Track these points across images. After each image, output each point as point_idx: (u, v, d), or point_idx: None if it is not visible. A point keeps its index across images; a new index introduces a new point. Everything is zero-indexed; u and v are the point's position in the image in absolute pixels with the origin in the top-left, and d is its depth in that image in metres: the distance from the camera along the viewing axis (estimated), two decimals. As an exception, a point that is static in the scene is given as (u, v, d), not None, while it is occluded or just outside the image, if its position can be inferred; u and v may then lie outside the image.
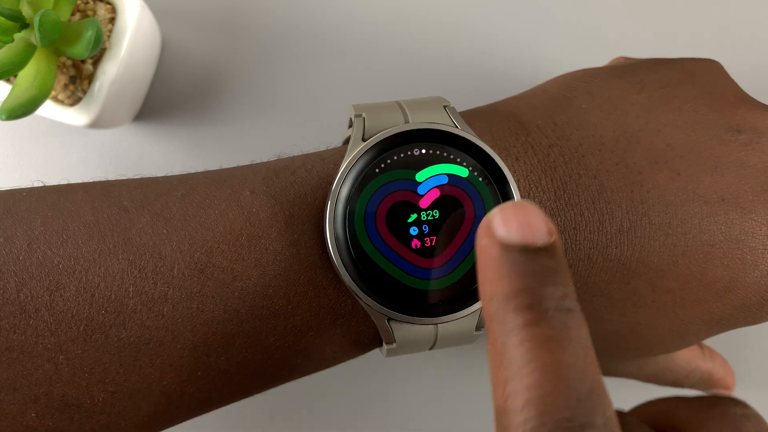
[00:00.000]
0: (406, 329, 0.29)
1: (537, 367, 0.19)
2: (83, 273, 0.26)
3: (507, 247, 0.21)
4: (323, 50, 0.48)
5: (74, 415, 0.27)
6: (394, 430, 0.46)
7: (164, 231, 0.27)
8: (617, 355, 0.36)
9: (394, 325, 0.29)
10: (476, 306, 0.29)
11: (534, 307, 0.20)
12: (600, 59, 0.43)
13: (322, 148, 0.33)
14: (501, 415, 0.20)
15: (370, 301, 0.28)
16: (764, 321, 0.33)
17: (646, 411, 0.30)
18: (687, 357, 0.39)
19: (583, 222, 0.30)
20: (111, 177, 0.42)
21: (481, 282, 0.22)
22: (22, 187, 0.29)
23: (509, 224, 0.21)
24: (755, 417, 0.28)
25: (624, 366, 0.38)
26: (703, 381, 0.40)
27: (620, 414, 0.28)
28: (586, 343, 0.20)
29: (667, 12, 0.49)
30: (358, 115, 0.30)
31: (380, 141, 0.29)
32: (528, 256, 0.21)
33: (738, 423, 0.27)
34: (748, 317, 0.33)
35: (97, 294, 0.26)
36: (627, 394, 0.45)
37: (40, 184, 0.30)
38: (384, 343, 0.29)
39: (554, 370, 0.19)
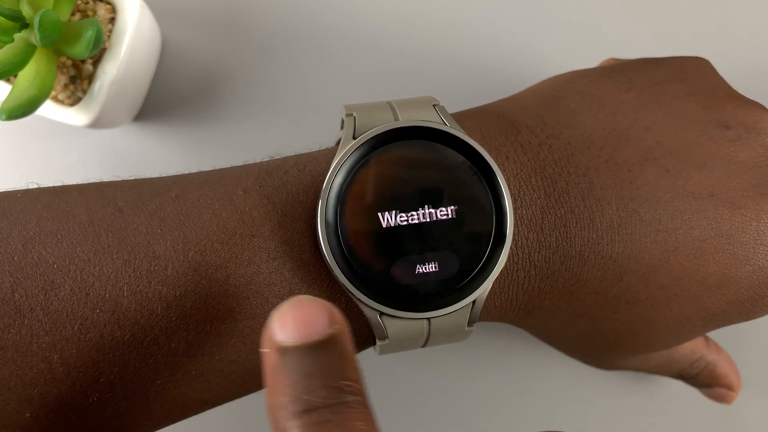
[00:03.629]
0: (399, 324, 0.29)
1: None
2: (78, 272, 0.27)
3: (284, 351, 0.21)
4: (323, 50, 0.48)
5: (69, 415, 0.27)
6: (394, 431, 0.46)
7: (158, 230, 0.28)
8: (616, 351, 0.36)
9: (386, 320, 0.29)
10: (468, 300, 0.29)
11: (308, 413, 0.20)
12: (598, 59, 0.44)
13: (315, 148, 0.33)
14: None
15: (362, 296, 0.28)
16: (759, 316, 0.34)
17: None
18: (691, 346, 0.39)
19: (574, 219, 0.30)
20: (111, 177, 0.42)
21: (266, 392, 0.22)
22: (17, 189, 0.30)
23: (286, 326, 0.21)
24: None
25: (626, 360, 0.38)
26: (708, 373, 0.40)
27: None
28: None
29: (667, 12, 0.49)
30: (348, 115, 0.30)
31: (370, 138, 0.29)
32: (304, 356, 0.21)
33: None
34: (743, 312, 0.33)
35: (91, 293, 0.26)
36: (631, 389, 0.46)
37: (35, 186, 0.30)
38: (377, 340, 0.29)
39: None
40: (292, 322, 0.21)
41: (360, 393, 0.21)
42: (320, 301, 0.22)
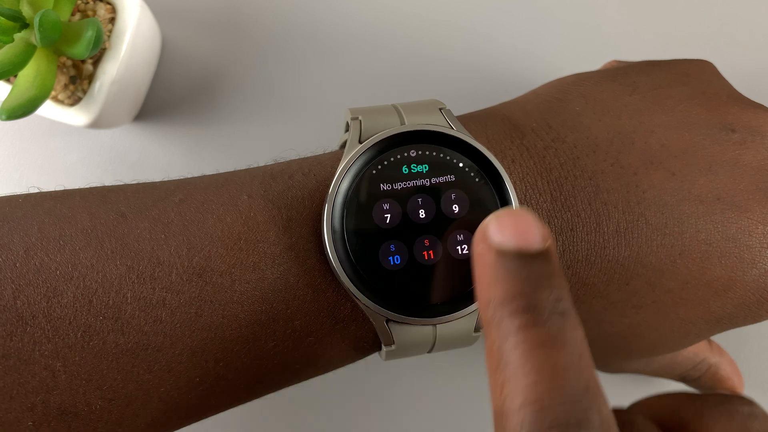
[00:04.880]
0: (405, 330, 0.29)
1: (533, 369, 0.20)
2: (81, 279, 0.26)
3: (502, 253, 0.22)
4: (323, 51, 0.48)
5: (71, 423, 0.27)
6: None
7: (162, 236, 0.27)
8: (621, 354, 0.36)
9: (392, 326, 0.29)
10: (475, 306, 0.29)
11: (529, 310, 0.21)
12: (600, 60, 0.43)
13: (319, 151, 0.33)
14: (499, 417, 0.20)
15: (368, 302, 0.28)
16: (765, 319, 0.33)
17: (650, 406, 0.30)
18: (694, 349, 0.39)
19: (580, 223, 0.30)
20: (111, 177, 0.42)
21: (478, 287, 0.22)
22: (18, 193, 0.29)
23: (504, 231, 0.22)
24: (763, 416, 0.28)
25: (630, 363, 0.38)
26: (710, 375, 0.40)
27: (623, 411, 0.28)
28: (581, 345, 0.21)
29: (667, 12, 0.49)
30: (354, 118, 0.30)
31: (377, 143, 0.29)
32: (523, 262, 0.21)
33: (746, 422, 0.27)
34: (749, 316, 0.33)
35: (95, 300, 0.26)
36: (632, 388, 0.46)
37: (36, 190, 0.30)
38: (383, 346, 0.29)
39: (550, 371, 0.20)
40: (511, 229, 0.22)
41: (574, 308, 0.22)
42: (535, 215, 0.22)
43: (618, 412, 0.26)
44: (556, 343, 0.20)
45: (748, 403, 0.28)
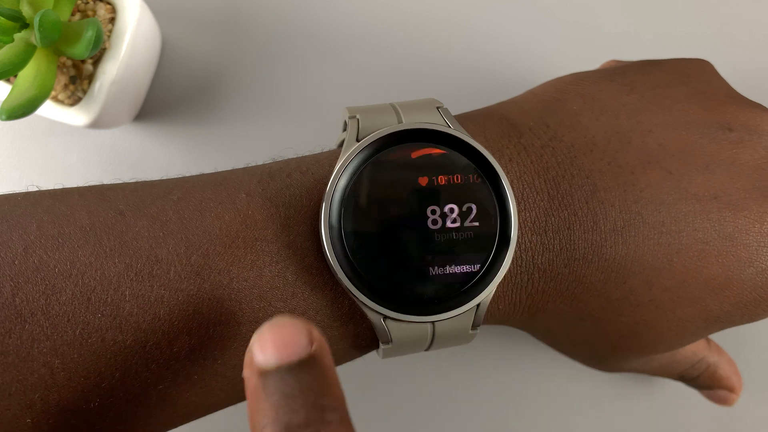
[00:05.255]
0: (403, 328, 0.29)
1: None
2: (79, 276, 0.26)
3: (265, 374, 0.21)
4: (323, 51, 0.48)
5: (70, 420, 0.27)
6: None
7: (160, 234, 0.28)
8: (619, 353, 0.36)
9: (390, 324, 0.29)
10: (472, 303, 0.29)
11: (290, 429, 0.20)
12: (599, 60, 0.44)
13: (318, 150, 0.33)
14: None
15: (366, 299, 0.28)
16: (762, 318, 0.33)
17: None
18: (692, 348, 0.39)
19: (577, 222, 0.30)
20: (111, 177, 0.43)
21: (248, 416, 0.22)
22: (17, 191, 0.30)
23: (266, 348, 0.22)
24: None
25: (628, 363, 0.38)
26: (709, 374, 0.40)
27: None
28: None
29: (667, 12, 0.49)
30: (352, 117, 0.30)
31: (374, 141, 0.29)
32: (284, 377, 0.21)
33: None
34: (746, 314, 0.33)
35: (93, 297, 0.26)
36: (632, 387, 0.46)
37: (35, 189, 0.30)
38: (380, 343, 0.29)
39: None
40: (271, 344, 0.22)
41: (341, 410, 0.21)
42: (299, 320, 0.22)
43: None
44: None
45: None
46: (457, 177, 0.29)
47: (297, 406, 0.21)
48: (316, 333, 0.22)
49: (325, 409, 0.21)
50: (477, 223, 0.29)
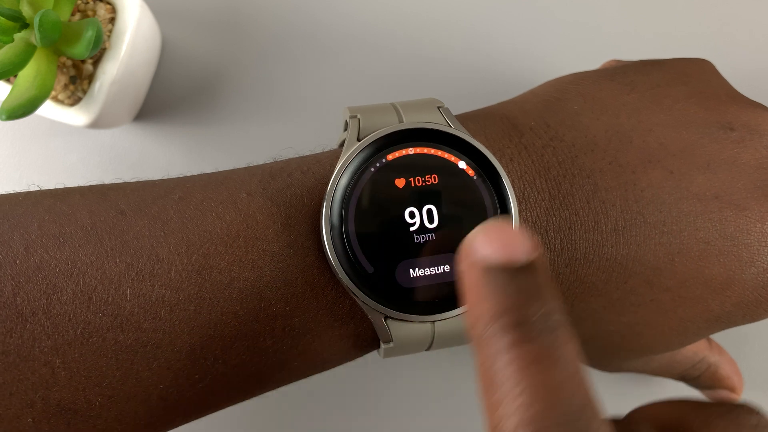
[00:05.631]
0: (404, 328, 0.29)
1: (527, 388, 0.19)
2: (80, 276, 0.26)
3: (489, 268, 0.21)
4: (323, 51, 0.48)
5: (70, 420, 0.27)
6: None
7: (161, 234, 0.28)
8: (620, 354, 0.36)
9: (391, 323, 0.29)
10: None
11: (519, 326, 0.20)
12: (600, 60, 0.44)
13: (318, 150, 0.33)
14: None
15: (366, 299, 0.28)
16: (763, 318, 0.33)
17: (653, 413, 0.29)
18: (693, 348, 0.39)
19: (579, 221, 0.30)
20: (111, 177, 0.42)
21: (466, 305, 0.22)
22: (19, 191, 0.30)
23: (489, 245, 0.21)
24: None
25: (629, 363, 0.38)
26: (710, 375, 0.40)
27: (628, 420, 0.27)
28: (575, 360, 0.20)
29: (667, 12, 0.49)
30: (353, 117, 0.30)
31: (375, 140, 0.29)
32: (510, 276, 0.21)
33: None
34: (747, 314, 0.33)
35: (94, 297, 0.26)
36: (632, 387, 0.46)
37: (37, 188, 0.30)
38: (381, 343, 0.29)
39: (544, 389, 0.19)
40: (497, 242, 0.21)
41: (566, 320, 0.21)
42: (522, 227, 0.22)
43: (620, 423, 0.26)
44: (549, 360, 0.20)
45: (755, 413, 0.28)
46: (458, 176, 0.29)
47: (529, 304, 0.21)
48: (535, 242, 0.22)
49: (553, 312, 0.21)
50: (478, 223, 0.29)
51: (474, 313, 0.21)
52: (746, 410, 0.27)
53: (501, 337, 0.20)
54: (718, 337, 0.41)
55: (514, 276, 0.21)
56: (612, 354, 0.36)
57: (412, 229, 0.29)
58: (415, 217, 0.29)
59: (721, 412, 0.27)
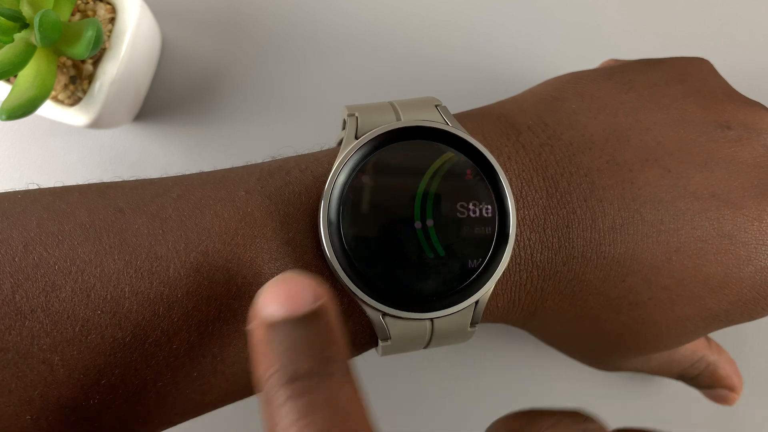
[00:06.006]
0: (401, 325, 0.29)
1: None
2: (79, 273, 0.26)
3: (271, 326, 0.22)
4: (323, 51, 0.48)
5: (69, 417, 0.27)
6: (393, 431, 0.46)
7: (160, 231, 0.28)
8: (618, 352, 0.36)
9: (389, 321, 0.29)
10: (471, 300, 0.29)
11: (293, 381, 0.21)
12: (599, 60, 0.44)
13: (317, 149, 0.33)
14: None
15: (364, 296, 0.28)
16: (761, 316, 0.33)
17: (498, 427, 0.30)
18: (692, 346, 0.39)
19: (576, 220, 0.30)
20: (111, 177, 0.43)
21: (253, 367, 0.23)
22: (18, 189, 0.30)
23: (273, 301, 0.22)
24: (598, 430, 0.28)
25: (627, 362, 0.38)
26: (709, 374, 0.40)
27: None
28: (353, 402, 0.21)
29: (667, 12, 0.49)
30: (350, 115, 0.30)
31: (372, 138, 0.29)
32: (290, 329, 0.22)
33: None
34: (745, 313, 0.33)
35: (93, 294, 0.26)
36: (632, 387, 0.46)
37: (36, 187, 0.30)
38: (379, 341, 0.29)
39: None
40: (278, 297, 0.22)
41: (344, 365, 0.22)
42: (306, 276, 0.23)
43: None
44: (325, 409, 0.21)
45: (584, 418, 0.29)
46: (455, 175, 0.29)
47: (303, 357, 0.21)
48: (321, 288, 0.22)
49: (330, 360, 0.22)
50: (475, 221, 0.29)
51: (257, 375, 0.22)
52: (576, 417, 0.28)
53: (278, 394, 0.21)
54: (717, 335, 0.41)
55: (294, 329, 0.22)
56: (610, 353, 0.36)
57: (409, 227, 0.29)
58: (413, 216, 0.29)
59: (552, 421, 0.28)
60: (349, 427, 0.20)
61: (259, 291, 0.23)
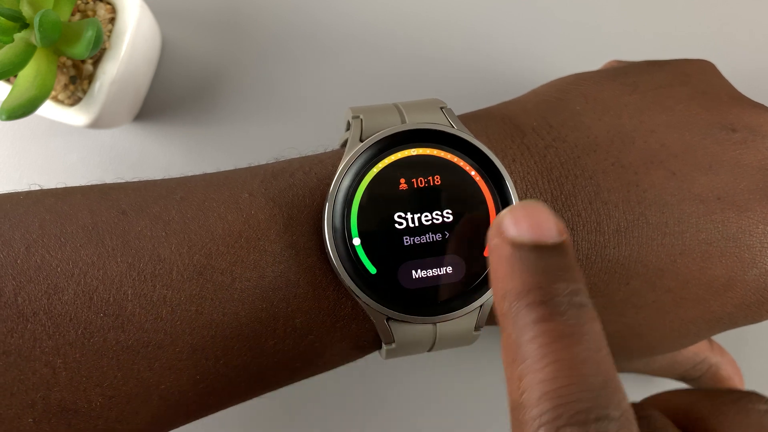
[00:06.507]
0: (405, 329, 0.29)
1: (552, 362, 0.20)
2: (81, 276, 0.26)
3: (518, 246, 0.22)
4: (323, 51, 0.48)
5: (71, 420, 0.27)
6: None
7: (163, 234, 0.27)
8: (621, 354, 0.36)
9: (393, 325, 0.29)
10: (475, 305, 0.29)
11: (546, 303, 0.21)
12: (600, 60, 0.44)
13: (320, 150, 0.33)
14: (516, 409, 0.20)
15: (369, 300, 0.28)
16: (765, 319, 0.34)
17: (664, 401, 0.30)
18: (695, 348, 0.39)
19: (581, 223, 0.30)
20: (111, 177, 0.42)
21: (494, 280, 0.22)
22: (20, 190, 0.29)
23: (520, 224, 0.22)
24: None
25: (630, 363, 0.38)
26: (711, 375, 0.40)
27: (640, 406, 0.28)
28: (599, 338, 0.21)
29: (667, 12, 0.49)
30: (355, 117, 0.30)
31: (378, 141, 0.29)
32: (539, 254, 0.22)
33: (762, 419, 0.27)
34: (749, 316, 0.33)
35: (95, 297, 0.26)
36: (634, 387, 0.46)
37: (38, 188, 0.30)
38: (383, 344, 0.29)
39: (569, 364, 0.20)
40: (527, 222, 0.22)
41: (590, 300, 0.22)
42: (548, 207, 0.23)
43: (634, 406, 0.27)
44: (574, 337, 0.20)
45: (765, 400, 0.28)
46: (460, 177, 0.29)
47: (555, 282, 0.21)
48: (563, 225, 0.22)
49: (580, 292, 0.21)
50: (480, 224, 0.29)
51: (501, 288, 0.22)
52: (755, 397, 0.28)
53: (527, 314, 0.21)
54: (719, 337, 0.41)
55: (542, 255, 0.22)
56: (613, 354, 0.36)
57: (414, 230, 0.28)
58: (419, 218, 0.29)
59: (731, 399, 0.28)
60: (601, 360, 0.20)
61: (504, 211, 0.23)
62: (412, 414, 0.46)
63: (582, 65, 0.40)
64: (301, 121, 0.47)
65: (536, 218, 0.22)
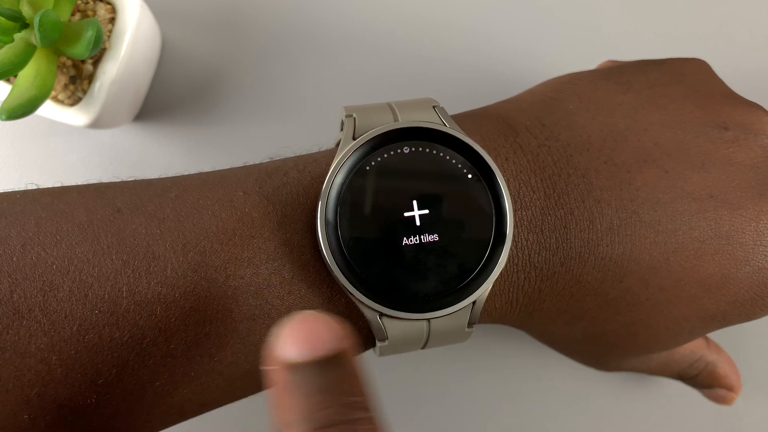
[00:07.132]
0: (399, 325, 0.29)
1: None
2: (77, 273, 0.26)
3: (294, 368, 0.21)
4: (323, 51, 0.48)
5: (67, 417, 0.27)
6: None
7: (158, 231, 0.28)
8: (616, 352, 0.36)
9: (386, 321, 0.29)
10: (467, 301, 0.29)
11: (319, 428, 0.20)
12: (600, 60, 0.44)
13: (315, 149, 0.33)
14: None
15: (362, 297, 0.28)
16: (759, 317, 0.34)
17: None
18: (691, 346, 0.39)
19: (573, 221, 0.30)
20: (111, 177, 0.43)
21: (271, 411, 0.22)
22: (17, 189, 0.30)
23: (294, 342, 0.21)
24: None
25: (626, 362, 0.38)
26: (707, 373, 0.40)
27: None
28: None
29: (667, 12, 0.49)
30: (348, 116, 0.30)
31: (370, 139, 0.29)
32: (314, 373, 0.21)
33: None
34: (742, 313, 0.33)
35: (90, 294, 0.26)
36: (632, 387, 0.46)
37: (34, 187, 0.30)
38: (377, 341, 0.29)
39: None
40: (300, 339, 0.21)
41: (369, 409, 0.21)
42: (325, 316, 0.22)
43: None
44: None
45: None
46: (452, 175, 0.29)
47: (328, 403, 0.21)
48: (343, 329, 0.22)
49: (355, 407, 0.21)
50: (473, 221, 0.29)
51: (277, 418, 0.21)
52: None
53: None
54: (715, 335, 0.41)
55: (315, 373, 0.21)
56: (609, 353, 0.36)
57: (407, 227, 0.29)
58: (411, 215, 0.29)
59: None
60: None
61: (279, 330, 0.21)
62: (408, 414, 0.46)
63: (582, 65, 0.40)
64: (301, 121, 0.47)
65: (310, 331, 0.21)
